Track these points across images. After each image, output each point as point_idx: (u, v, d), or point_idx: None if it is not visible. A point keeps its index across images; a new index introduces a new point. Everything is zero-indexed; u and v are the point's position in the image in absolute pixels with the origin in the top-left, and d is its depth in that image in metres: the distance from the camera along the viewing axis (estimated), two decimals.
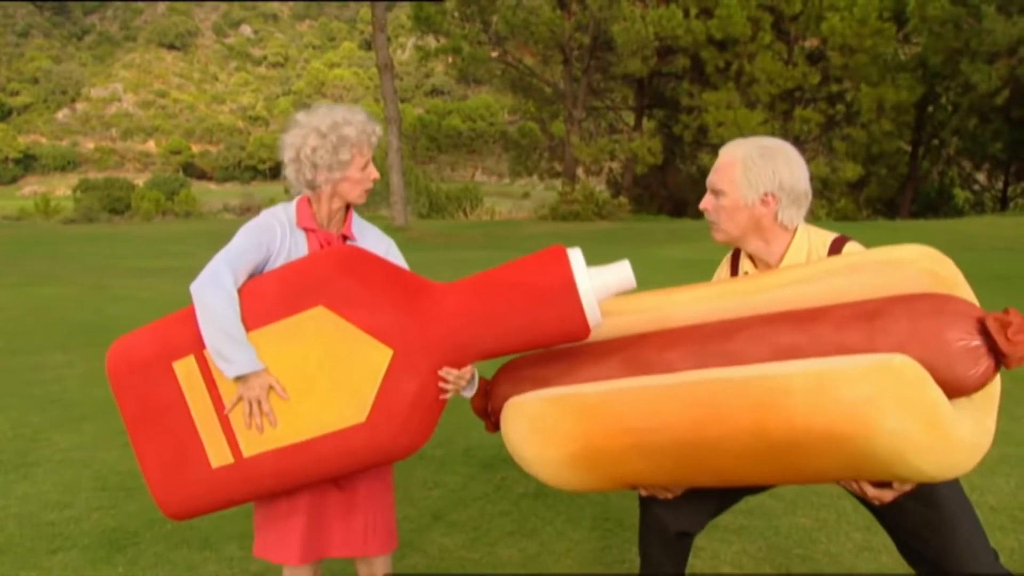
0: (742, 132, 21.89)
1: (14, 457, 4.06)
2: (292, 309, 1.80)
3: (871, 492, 1.68)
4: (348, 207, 2.09)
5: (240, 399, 1.81)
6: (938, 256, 1.71)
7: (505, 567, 2.89)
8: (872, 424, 1.51)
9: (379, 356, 1.75)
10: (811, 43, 23.09)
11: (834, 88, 23.27)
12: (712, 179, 1.96)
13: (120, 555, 3.01)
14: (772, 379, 1.59)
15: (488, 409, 2.02)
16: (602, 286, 1.79)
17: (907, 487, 1.68)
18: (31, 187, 79.07)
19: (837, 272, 1.75)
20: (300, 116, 2.01)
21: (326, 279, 1.80)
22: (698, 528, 2.10)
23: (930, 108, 24.38)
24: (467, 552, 3.00)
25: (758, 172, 1.90)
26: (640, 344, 1.83)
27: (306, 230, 2.01)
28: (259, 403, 1.79)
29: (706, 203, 1.98)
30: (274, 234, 1.96)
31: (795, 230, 1.96)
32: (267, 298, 1.82)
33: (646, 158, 24.05)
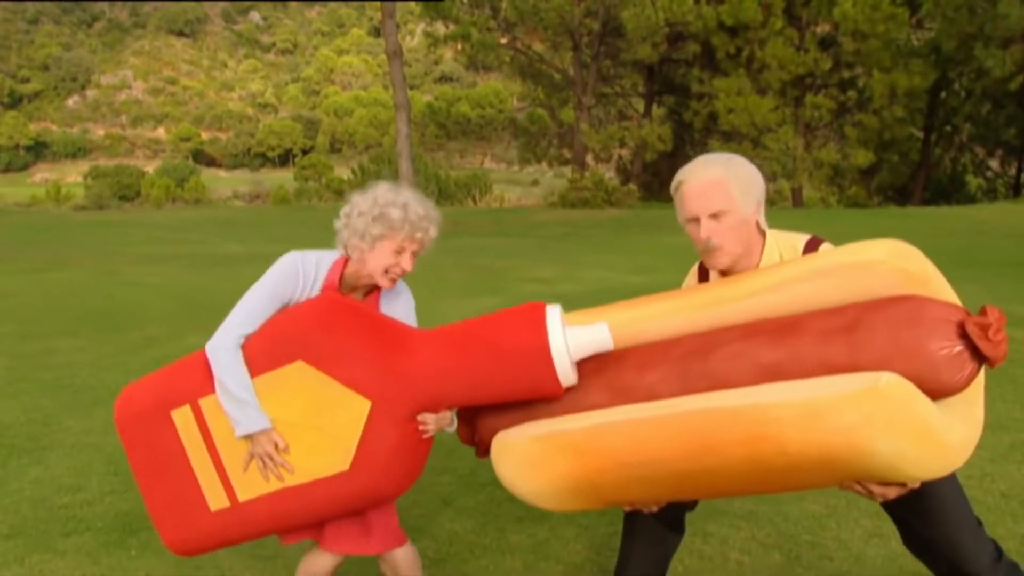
0: (753, 118, 21.79)
1: (27, 441, 4.10)
2: (274, 364, 1.89)
3: (877, 491, 1.66)
4: (376, 289, 2.10)
5: (252, 457, 1.90)
6: (906, 251, 1.66)
7: (514, 552, 2.90)
8: (866, 447, 1.51)
9: (359, 407, 1.84)
10: (823, 29, 22.92)
11: (846, 74, 23.12)
12: (703, 205, 1.83)
13: (133, 538, 3.03)
14: (761, 410, 1.56)
15: (476, 439, 2.00)
16: (577, 347, 1.78)
17: (913, 485, 1.67)
18: (42, 174, 79.48)
19: (805, 277, 1.71)
20: (381, 186, 2.06)
21: (305, 335, 1.88)
22: (680, 522, 2.13)
23: (943, 94, 24.18)
24: (476, 537, 3.02)
25: (749, 181, 1.84)
26: (618, 365, 1.80)
27: (325, 290, 2.04)
28: (270, 457, 1.89)
29: (707, 231, 1.83)
30: (294, 286, 1.99)
31: (766, 234, 1.91)
32: (252, 352, 1.91)
33: (656, 145, 23.98)
